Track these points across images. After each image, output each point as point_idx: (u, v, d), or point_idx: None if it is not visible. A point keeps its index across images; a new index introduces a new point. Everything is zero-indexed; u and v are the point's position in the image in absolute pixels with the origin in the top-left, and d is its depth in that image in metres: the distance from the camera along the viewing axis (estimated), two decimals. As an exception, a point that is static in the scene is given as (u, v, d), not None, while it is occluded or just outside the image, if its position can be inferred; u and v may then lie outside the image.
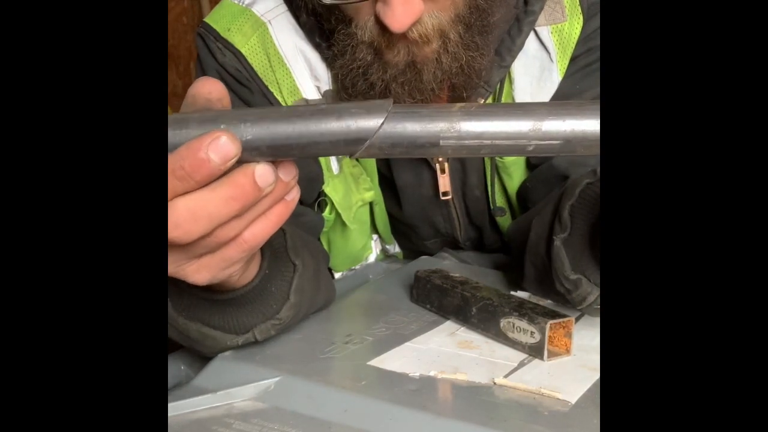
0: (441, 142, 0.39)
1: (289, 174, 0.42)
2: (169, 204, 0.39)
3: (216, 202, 0.40)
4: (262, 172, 0.40)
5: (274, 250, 0.59)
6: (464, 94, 0.70)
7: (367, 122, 0.38)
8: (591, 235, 0.59)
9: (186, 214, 0.40)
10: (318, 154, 0.40)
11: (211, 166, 0.38)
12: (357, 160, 0.80)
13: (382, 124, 0.38)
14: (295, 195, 0.43)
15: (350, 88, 0.68)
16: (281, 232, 0.60)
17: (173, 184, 0.39)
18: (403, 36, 0.62)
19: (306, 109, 0.39)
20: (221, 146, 0.38)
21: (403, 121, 0.39)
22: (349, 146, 0.39)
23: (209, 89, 0.41)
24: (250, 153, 0.39)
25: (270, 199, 0.42)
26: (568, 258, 0.59)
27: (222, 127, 0.38)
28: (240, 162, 0.39)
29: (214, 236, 0.42)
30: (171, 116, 0.39)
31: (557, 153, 0.39)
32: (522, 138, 0.39)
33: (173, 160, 0.38)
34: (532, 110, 0.39)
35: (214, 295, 0.56)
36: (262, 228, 0.43)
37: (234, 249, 0.43)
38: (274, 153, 0.39)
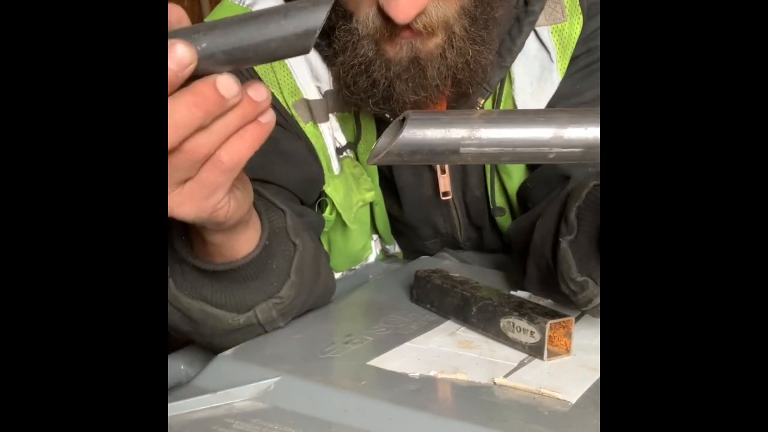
0: (461, 149, 0.39)
1: (259, 94, 0.42)
2: None
3: (179, 110, 0.39)
4: (223, 80, 0.40)
5: (274, 228, 0.59)
6: (469, 90, 0.70)
7: (313, 13, 0.38)
8: (598, 238, 0.59)
9: None
10: (274, 54, 0.40)
11: (168, 73, 0.38)
12: (358, 160, 0.80)
13: (399, 135, 0.38)
14: (270, 118, 0.43)
15: (352, 85, 0.68)
16: (281, 213, 0.61)
17: None
18: (407, 27, 0.61)
19: (255, 12, 0.39)
20: (177, 53, 0.38)
21: (423, 128, 0.38)
22: (300, 40, 0.39)
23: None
24: (207, 62, 0.39)
25: (238, 114, 0.42)
26: (575, 260, 0.59)
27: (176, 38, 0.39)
28: (201, 75, 0.39)
29: (184, 151, 0.41)
30: None
31: (578, 161, 0.39)
32: (543, 145, 0.38)
33: None
34: (554, 117, 0.38)
35: (216, 265, 0.56)
36: (237, 147, 0.43)
37: (211, 170, 0.43)
38: (231, 59, 0.40)
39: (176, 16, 0.41)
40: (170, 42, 0.38)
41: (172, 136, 0.40)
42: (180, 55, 0.38)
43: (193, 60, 0.38)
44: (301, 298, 0.63)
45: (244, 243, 0.55)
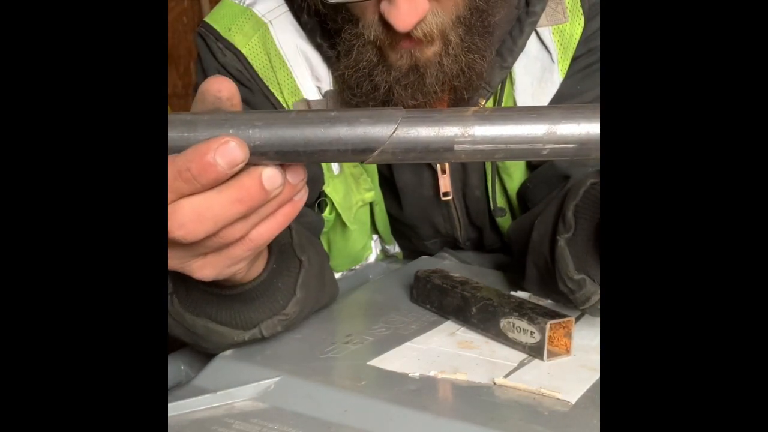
0: (455, 146, 0.39)
1: (297, 177, 0.42)
2: (175, 204, 0.40)
3: (222, 204, 0.40)
4: (269, 175, 0.40)
5: (280, 246, 0.59)
6: (465, 96, 0.70)
7: (377, 132, 0.38)
8: (595, 236, 0.59)
9: (191, 215, 0.40)
10: (325, 160, 0.40)
11: (217, 170, 0.38)
12: (359, 160, 0.80)
13: (392, 135, 0.38)
14: (303, 195, 0.44)
15: (355, 88, 0.68)
16: (287, 229, 0.61)
17: (179, 185, 0.39)
18: (407, 35, 0.62)
19: (316, 116, 0.39)
20: (229, 151, 0.38)
21: (417, 126, 0.39)
22: (357, 155, 0.39)
23: (219, 87, 0.41)
24: (257, 157, 0.39)
25: (277, 202, 0.42)
26: (572, 258, 0.59)
27: (230, 131, 0.38)
28: (247, 165, 0.39)
29: (219, 237, 0.42)
30: (180, 117, 0.39)
31: (572, 156, 0.39)
32: (537, 142, 0.38)
33: (180, 162, 0.38)
34: (547, 113, 0.39)
35: (221, 290, 0.56)
36: (268, 228, 0.43)
37: (240, 248, 0.44)
38: (282, 158, 0.39)
39: (228, 91, 0.41)
40: (224, 137, 0.38)
41: (212, 228, 0.40)
42: (232, 155, 0.38)
43: (244, 159, 0.38)
44: (305, 311, 0.63)
45: (252, 271, 0.55)
